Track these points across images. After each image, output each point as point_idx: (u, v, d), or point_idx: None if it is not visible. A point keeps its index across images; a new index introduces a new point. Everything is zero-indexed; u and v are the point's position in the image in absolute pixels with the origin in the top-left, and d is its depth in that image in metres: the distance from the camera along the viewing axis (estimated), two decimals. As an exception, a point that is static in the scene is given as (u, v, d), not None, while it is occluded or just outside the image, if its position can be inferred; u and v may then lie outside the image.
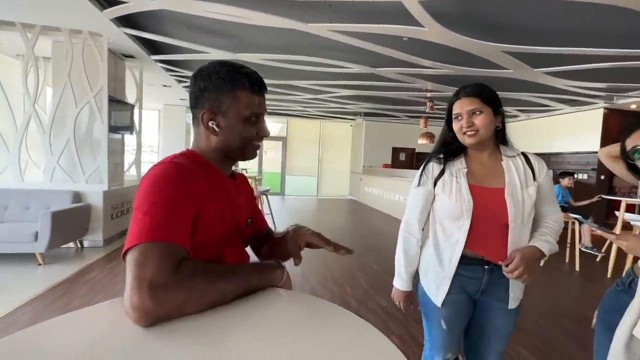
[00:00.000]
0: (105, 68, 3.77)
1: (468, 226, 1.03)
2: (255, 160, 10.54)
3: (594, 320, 1.11)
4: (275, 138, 11.06)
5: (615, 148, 1.15)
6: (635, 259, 1.02)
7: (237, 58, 4.37)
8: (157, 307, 0.51)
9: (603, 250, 4.11)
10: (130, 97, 4.76)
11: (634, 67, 3.93)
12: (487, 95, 1.03)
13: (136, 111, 4.77)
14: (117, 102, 4.17)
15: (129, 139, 4.81)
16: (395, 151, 10.24)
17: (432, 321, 1.14)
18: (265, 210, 6.09)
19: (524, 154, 1.09)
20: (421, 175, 1.13)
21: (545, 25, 3.05)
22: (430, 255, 1.12)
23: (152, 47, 4.30)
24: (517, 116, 7.90)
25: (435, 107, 6.39)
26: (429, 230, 1.15)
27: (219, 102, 0.69)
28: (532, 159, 1.07)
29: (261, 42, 3.90)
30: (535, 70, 4.26)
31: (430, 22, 3.00)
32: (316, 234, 0.80)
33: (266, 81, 0.76)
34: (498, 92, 1.06)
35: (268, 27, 3.34)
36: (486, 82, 1.09)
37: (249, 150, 0.75)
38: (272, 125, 11.16)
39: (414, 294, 1.20)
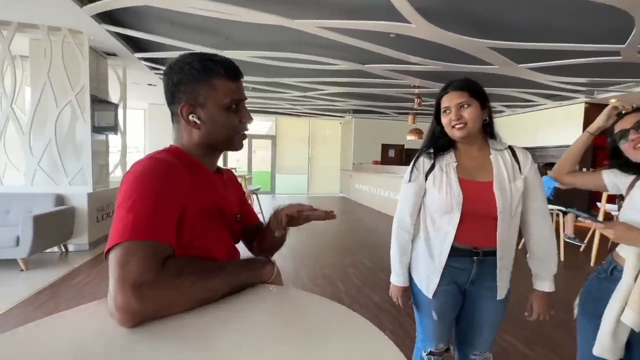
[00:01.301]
0: (87, 66, 3.66)
1: (458, 219, 1.04)
2: (245, 159, 10.45)
3: (575, 310, 1.14)
4: (265, 136, 10.98)
5: (564, 162, 1.23)
6: (613, 247, 1.05)
7: (223, 55, 4.31)
8: (143, 307, 0.49)
9: (585, 240, 4.24)
10: (114, 96, 4.63)
11: (612, 63, 4.05)
12: (475, 88, 1.05)
13: (120, 111, 4.65)
14: (100, 101, 4.06)
15: (114, 140, 4.69)
16: (385, 148, 10.30)
17: (424, 312, 1.16)
18: (255, 209, 6.05)
19: (510, 147, 1.11)
20: (412, 170, 1.13)
21: (529, 21, 3.11)
22: (421, 248, 1.14)
23: (136, 45, 4.20)
24: (502, 111, 8.06)
25: (422, 103, 6.45)
26: (420, 223, 1.16)
27: (196, 94, 0.67)
28: (518, 152, 1.09)
29: (248, 39, 3.85)
30: (520, 65, 4.34)
31: (417, 19, 3.01)
32: (294, 204, 0.80)
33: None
34: (484, 88, 1.08)
35: (254, 24, 3.30)
36: (473, 78, 1.10)
37: (235, 140, 0.73)
38: (261, 124, 11.09)
39: (410, 289, 1.20)
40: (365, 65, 4.67)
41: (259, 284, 0.67)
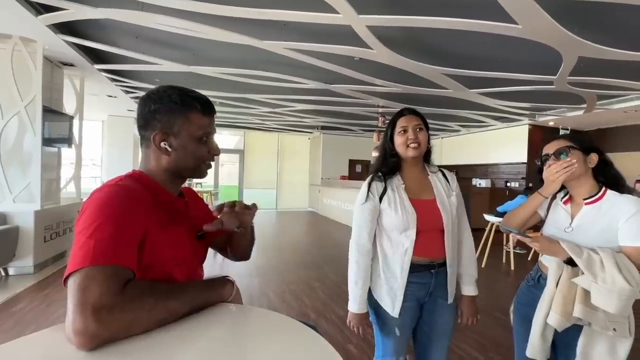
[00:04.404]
0: (40, 76, 3.46)
1: (414, 235, 1.13)
2: (211, 174, 10.20)
3: (512, 316, 1.27)
4: (232, 151, 10.83)
5: (513, 220, 1.22)
6: (537, 256, 1.19)
7: (190, 70, 4.28)
8: (102, 330, 0.51)
9: (524, 249, 4.64)
10: (70, 107, 4.39)
11: (548, 91, 4.58)
12: (424, 118, 1.21)
13: (76, 122, 4.40)
14: (53, 112, 3.82)
15: (67, 153, 4.41)
16: (352, 163, 10.58)
17: (386, 330, 1.20)
18: (221, 225, 5.90)
19: (440, 169, 1.28)
20: (368, 191, 1.19)
21: (477, 52, 3.46)
22: (380, 269, 1.18)
23: (95, 56, 4.05)
24: (458, 130, 8.66)
25: (386, 121, 6.76)
26: (376, 246, 1.21)
27: (171, 124, 0.72)
28: (446, 174, 1.27)
29: (216, 56, 3.88)
30: (471, 90, 4.75)
31: (378, 45, 3.24)
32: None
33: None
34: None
35: (223, 42, 3.34)
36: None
37: (202, 168, 0.78)
38: (229, 138, 10.93)
39: (369, 313, 1.21)
40: (331, 85, 4.86)
41: (219, 303, 0.70)
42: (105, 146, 8.32)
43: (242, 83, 4.84)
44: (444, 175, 1.26)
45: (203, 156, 0.77)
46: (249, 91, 5.36)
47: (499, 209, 4.50)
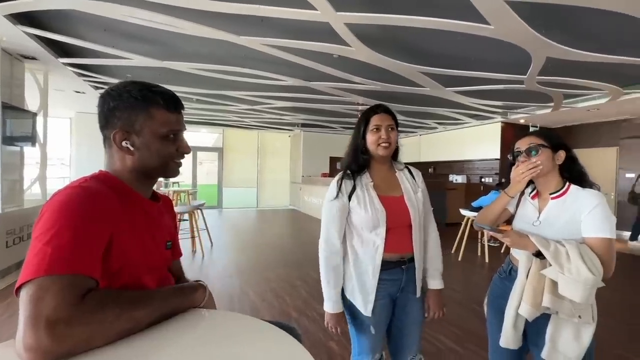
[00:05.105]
0: (-3, 70, 3.23)
1: (385, 233, 1.15)
2: (189, 173, 9.92)
3: (486, 308, 1.32)
4: (211, 149, 10.58)
5: (485, 218, 1.26)
6: (509, 250, 1.24)
7: (164, 66, 4.13)
8: (56, 345, 0.47)
9: (497, 242, 4.84)
10: (33, 103, 4.12)
11: (519, 90, 4.77)
12: (396, 118, 1.24)
13: (40, 119, 4.14)
14: (13, 109, 3.58)
15: (31, 152, 4.14)
16: (333, 160, 10.61)
17: (361, 329, 1.21)
18: (200, 225, 5.76)
19: (407, 166, 1.31)
20: (338, 188, 1.18)
21: (454, 52, 3.54)
22: (352, 269, 1.18)
23: (60, 49, 3.82)
24: (435, 128, 8.88)
25: (366, 119, 6.82)
26: (346, 245, 1.20)
27: (132, 121, 0.68)
28: (412, 170, 1.30)
29: (191, 51, 3.75)
30: (447, 89, 4.87)
31: (357, 43, 3.24)
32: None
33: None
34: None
35: (198, 37, 3.24)
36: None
37: (170, 167, 0.74)
38: (207, 135, 10.68)
39: (344, 312, 1.21)
40: (311, 82, 4.84)
41: (190, 309, 0.67)
42: (74, 145, 7.90)
43: (218, 79, 4.72)
44: (410, 172, 1.29)
45: (170, 155, 0.73)
46: (226, 88, 5.24)
47: (474, 204, 4.66)
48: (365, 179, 1.21)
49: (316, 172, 10.00)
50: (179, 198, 7.33)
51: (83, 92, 5.61)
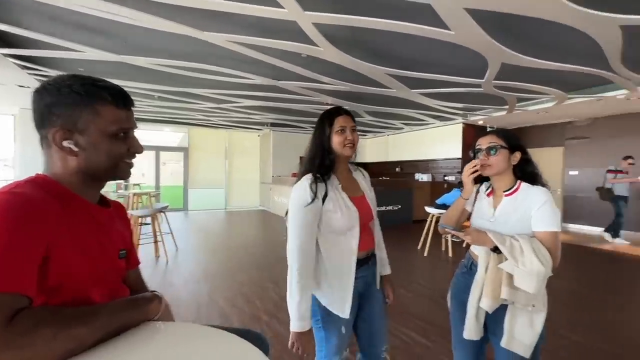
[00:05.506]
0: None
1: (359, 232, 1.16)
2: (152, 174, 9.42)
3: (449, 302, 1.38)
4: (176, 149, 10.12)
5: (447, 221, 1.31)
6: (469, 246, 1.30)
7: (121, 60, 3.87)
8: None
9: (459, 238, 5.11)
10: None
11: (478, 93, 5.06)
12: (355, 120, 1.26)
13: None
14: (-59, 104, 3.17)
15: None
16: (303, 160, 10.58)
17: (332, 331, 1.19)
18: (164, 229, 5.50)
19: (358, 167, 1.37)
20: (313, 193, 1.13)
21: (418, 55, 3.66)
22: (328, 273, 1.16)
23: (1, 39, 3.45)
24: (402, 128, 9.17)
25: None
26: (320, 250, 1.17)
27: (75, 119, 0.62)
28: (362, 170, 1.37)
29: (151, 45, 3.55)
30: (412, 90, 5.05)
31: (325, 43, 3.25)
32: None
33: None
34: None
35: (159, 31, 3.07)
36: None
37: (120, 168, 0.68)
38: (171, 134, 10.20)
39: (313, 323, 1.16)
40: (279, 82, 4.78)
41: (145, 323, 0.62)
42: (18, 144, 7.18)
43: (182, 76, 4.52)
44: (361, 172, 1.36)
45: (121, 155, 0.67)
46: (191, 85, 5.03)
47: (437, 201, 4.87)
48: (334, 181, 1.21)
49: (286, 172, 9.92)
50: (139, 201, 6.93)
51: (27, 87, 5.12)
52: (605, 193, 5.81)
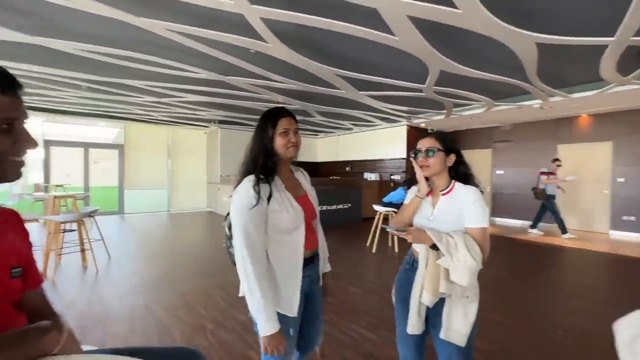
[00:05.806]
0: None
1: (304, 231, 1.18)
2: (79, 174, 8.38)
3: (393, 297, 1.42)
4: (109, 145, 9.15)
5: (401, 221, 1.34)
6: (410, 244, 1.35)
7: (36, 43, 3.35)
8: None
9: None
10: None
11: (420, 97, 5.40)
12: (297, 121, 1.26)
13: None
14: None
15: None
16: (244, 160, 10.29)
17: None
18: (94, 236, 4.93)
19: (299, 167, 1.38)
20: (257, 194, 1.10)
21: (365, 58, 3.76)
22: (275, 274, 1.14)
23: None
24: (351, 129, 9.43)
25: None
26: (266, 252, 1.14)
27: None
28: (302, 170, 1.39)
29: (74, 27, 3.12)
30: (360, 92, 5.20)
31: (274, 39, 3.18)
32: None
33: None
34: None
35: (84, 12, 2.71)
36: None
37: (4, 167, 0.56)
38: (104, 130, 9.18)
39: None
40: (227, 77, 4.57)
41: (41, 358, 0.51)
42: None
43: (115, 65, 4.07)
44: (302, 172, 1.38)
45: (4, 151, 0.55)
46: (124, 76, 4.55)
47: (384, 199, 5.08)
48: (277, 181, 1.20)
49: (235, 171, 9.52)
50: (63, 204, 6.11)
51: None
52: (541, 193, 6.30)
